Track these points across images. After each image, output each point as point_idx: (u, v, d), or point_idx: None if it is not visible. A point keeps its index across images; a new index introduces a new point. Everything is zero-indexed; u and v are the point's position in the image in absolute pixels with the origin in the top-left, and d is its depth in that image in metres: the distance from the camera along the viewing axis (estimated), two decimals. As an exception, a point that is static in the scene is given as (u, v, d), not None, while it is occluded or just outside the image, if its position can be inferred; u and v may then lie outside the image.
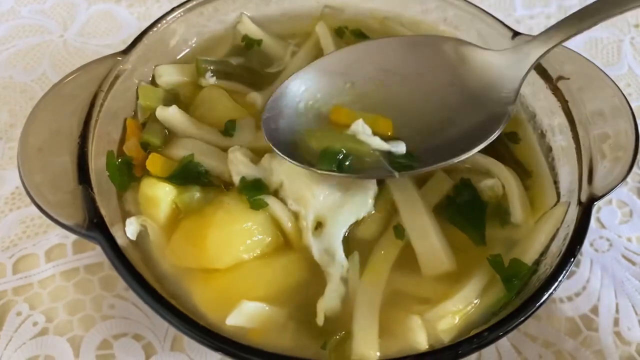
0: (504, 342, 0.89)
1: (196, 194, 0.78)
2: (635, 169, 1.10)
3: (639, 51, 1.28)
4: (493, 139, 0.76)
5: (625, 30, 1.33)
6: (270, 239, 0.77)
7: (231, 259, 0.74)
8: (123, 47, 0.88)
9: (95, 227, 0.67)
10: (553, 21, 1.28)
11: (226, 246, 0.74)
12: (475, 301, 0.73)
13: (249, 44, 0.99)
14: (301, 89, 0.83)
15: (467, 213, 0.80)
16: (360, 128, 0.77)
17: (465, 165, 0.83)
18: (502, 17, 1.28)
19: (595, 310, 0.93)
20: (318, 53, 0.97)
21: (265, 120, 0.79)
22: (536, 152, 0.88)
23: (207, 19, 0.99)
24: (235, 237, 0.74)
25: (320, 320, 0.71)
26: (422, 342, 0.69)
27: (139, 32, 0.90)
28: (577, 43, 1.30)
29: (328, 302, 0.73)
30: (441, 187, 0.82)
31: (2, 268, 0.93)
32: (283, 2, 1.01)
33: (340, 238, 0.76)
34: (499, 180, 0.81)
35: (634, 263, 0.98)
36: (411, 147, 0.78)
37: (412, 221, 0.77)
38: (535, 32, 1.26)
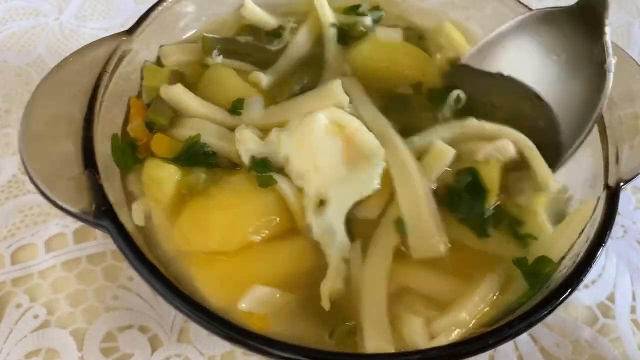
0: (520, 332, 0.87)
1: (202, 175, 0.75)
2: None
3: (650, 35, 1.27)
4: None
5: (635, 14, 1.31)
6: (279, 220, 0.74)
7: (240, 241, 0.71)
8: (121, 30, 0.84)
9: (104, 215, 0.64)
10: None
11: (234, 228, 0.71)
12: (486, 308, 0.70)
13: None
14: None
15: (468, 201, 0.76)
16: None
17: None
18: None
19: (612, 298, 0.91)
20: (318, 29, 0.94)
21: None
22: None
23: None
24: (244, 218, 0.71)
25: (326, 304, 0.69)
26: (424, 345, 0.67)
27: (136, 16, 0.87)
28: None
29: (331, 284, 0.70)
30: (443, 159, 0.78)
31: (0, 259, 0.89)
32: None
33: (343, 217, 0.73)
34: (509, 142, 0.78)
35: (649, 250, 0.97)
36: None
37: (407, 199, 0.74)
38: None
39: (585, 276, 0.62)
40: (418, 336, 0.67)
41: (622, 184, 0.69)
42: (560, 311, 0.89)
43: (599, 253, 0.64)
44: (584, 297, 0.91)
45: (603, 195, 0.69)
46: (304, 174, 0.75)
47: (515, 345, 0.86)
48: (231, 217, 0.71)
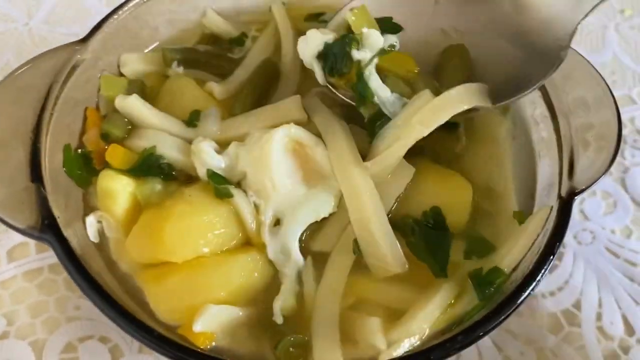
0: (484, 339, 0.86)
1: (157, 185, 0.75)
2: (619, 159, 1.07)
3: (625, 38, 1.25)
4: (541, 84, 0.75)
5: (611, 15, 1.29)
6: (232, 233, 0.73)
7: (189, 251, 0.70)
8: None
9: (47, 228, 0.63)
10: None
11: (184, 238, 0.70)
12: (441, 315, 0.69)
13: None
14: None
15: (432, 243, 0.74)
16: None
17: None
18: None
19: (578, 304, 0.91)
20: (278, 38, 0.93)
21: None
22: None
23: (176, 6, 0.95)
24: (195, 229, 0.71)
25: (278, 318, 0.69)
26: (381, 345, 0.66)
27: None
28: (561, 29, 1.27)
29: (283, 301, 0.70)
30: (403, 178, 0.76)
31: (-38, 270, 0.88)
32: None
33: (297, 237, 0.73)
34: None
35: (617, 255, 0.96)
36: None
37: (359, 224, 0.73)
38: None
39: (533, 289, 0.62)
40: (375, 337, 0.67)
41: (575, 195, 0.68)
42: (524, 318, 0.88)
43: (548, 263, 0.63)
44: (549, 304, 0.90)
45: (556, 205, 0.68)
46: (260, 191, 0.74)
47: (479, 352, 0.85)
48: (182, 227, 0.70)
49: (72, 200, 0.76)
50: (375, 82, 0.77)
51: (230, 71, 0.89)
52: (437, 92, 0.74)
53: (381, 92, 0.77)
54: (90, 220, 0.73)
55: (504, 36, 0.82)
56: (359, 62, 0.77)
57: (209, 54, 0.91)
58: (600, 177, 0.69)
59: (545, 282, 0.92)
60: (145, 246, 0.71)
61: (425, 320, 0.68)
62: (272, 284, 0.72)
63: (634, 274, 0.94)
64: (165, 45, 0.89)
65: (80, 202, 0.78)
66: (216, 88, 0.85)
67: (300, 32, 0.91)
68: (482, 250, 0.74)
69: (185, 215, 0.70)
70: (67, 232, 0.65)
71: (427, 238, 0.73)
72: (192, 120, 0.81)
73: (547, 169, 0.76)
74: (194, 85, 0.85)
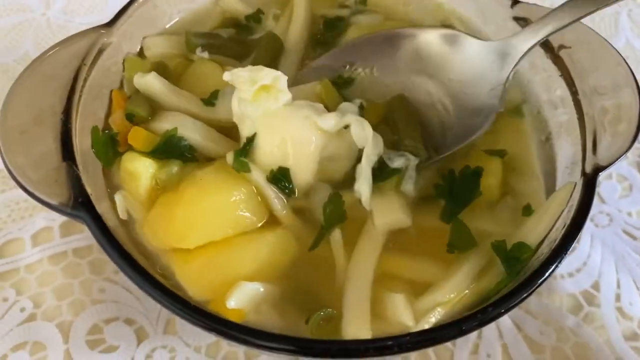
0: (504, 319, 0.87)
1: (174, 168, 0.75)
2: (635, 142, 1.08)
3: (637, 24, 1.26)
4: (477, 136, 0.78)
5: (622, 3, 1.30)
6: (250, 216, 0.73)
7: (198, 238, 0.70)
8: (109, 24, 0.85)
9: (81, 205, 0.64)
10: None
11: (193, 224, 0.70)
12: (467, 290, 0.70)
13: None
14: None
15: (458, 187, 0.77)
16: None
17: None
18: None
19: (596, 286, 0.92)
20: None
21: None
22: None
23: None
24: (204, 215, 0.71)
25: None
26: (408, 321, 0.67)
27: None
28: (574, 16, 1.28)
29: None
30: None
31: (-14, 253, 0.90)
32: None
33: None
34: None
35: (634, 238, 0.97)
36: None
37: None
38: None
39: (559, 263, 0.62)
40: (402, 313, 0.67)
41: (599, 170, 0.68)
42: (543, 298, 0.89)
43: (574, 239, 0.64)
44: (568, 284, 0.91)
45: (580, 182, 0.69)
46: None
47: (499, 332, 0.86)
48: (190, 212, 0.70)
49: (98, 181, 0.77)
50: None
51: (250, 54, 0.90)
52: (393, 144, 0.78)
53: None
54: (119, 197, 0.74)
55: (442, 85, 0.84)
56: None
57: (232, 40, 0.92)
58: (623, 154, 0.70)
59: (564, 264, 0.93)
60: (158, 231, 0.72)
61: (453, 289, 0.69)
62: (300, 260, 0.73)
63: (651, 256, 0.95)
64: (188, 30, 0.90)
65: (103, 183, 0.78)
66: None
67: (324, 15, 0.93)
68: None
69: (194, 200, 0.71)
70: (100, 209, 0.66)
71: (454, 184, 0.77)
72: (211, 99, 0.81)
73: (569, 147, 0.77)
74: (219, 70, 0.86)
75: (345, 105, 0.79)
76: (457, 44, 0.84)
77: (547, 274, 0.62)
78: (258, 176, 0.74)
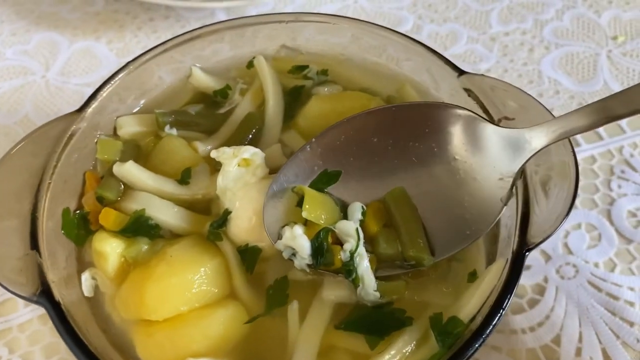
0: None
1: (144, 246, 0.82)
2: (605, 190, 1.09)
3: (616, 65, 1.26)
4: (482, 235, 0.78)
5: (603, 43, 1.30)
6: (215, 290, 0.79)
7: (168, 311, 0.76)
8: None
9: (41, 294, 0.71)
10: (529, 37, 1.28)
11: (164, 298, 0.76)
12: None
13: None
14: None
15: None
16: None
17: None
18: (477, 35, 1.29)
19: (557, 340, 0.93)
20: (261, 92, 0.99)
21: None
22: None
23: (164, 71, 1.01)
24: (174, 289, 0.77)
25: None
26: None
27: (117, 69, 0.94)
28: (553, 57, 1.29)
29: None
30: None
31: (-16, 313, 0.98)
32: (240, 48, 1.03)
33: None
34: None
35: (600, 289, 0.98)
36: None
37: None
38: (511, 50, 1.26)
39: (481, 344, 0.66)
40: None
41: (526, 249, 0.71)
42: (504, 355, 0.92)
43: (495, 319, 0.67)
44: (529, 339, 0.93)
45: (509, 259, 0.72)
46: None
47: (457, 389, 0.89)
48: (161, 288, 0.77)
49: (72, 255, 0.84)
50: (363, 267, 0.76)
51: (218, 128, 0.96)
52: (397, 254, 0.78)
53: (367, 278, 0.76)
54: (86, 276, 0.81)
55: (450, 170, 0.81)
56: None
57: (199, 115, 0.97)
58: (556, 230, 0.72)
59: (526, 318, 0.96)
60: (130, 304, 0.78)
61: None
62: (251, 334, 0.78)
63: (616, 308, 0.96)
64: (156, 109, 0.95)
65: (75, 260, 0.85)
66: (200, 146, 0.92)
67: (284, 85, 0.98)
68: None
69: (164, 276, 0.77)
70: (63, 292, 0.73)
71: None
72: (185, 178, 0.88)
73: (507, 220, 0.79)
74: (185, 146, 0.92)
75: (343, 224, 0.78)
76: (469, 126, 0.79)
77: (468, 354, 0.65)
78: (227, 248, 0.81)
